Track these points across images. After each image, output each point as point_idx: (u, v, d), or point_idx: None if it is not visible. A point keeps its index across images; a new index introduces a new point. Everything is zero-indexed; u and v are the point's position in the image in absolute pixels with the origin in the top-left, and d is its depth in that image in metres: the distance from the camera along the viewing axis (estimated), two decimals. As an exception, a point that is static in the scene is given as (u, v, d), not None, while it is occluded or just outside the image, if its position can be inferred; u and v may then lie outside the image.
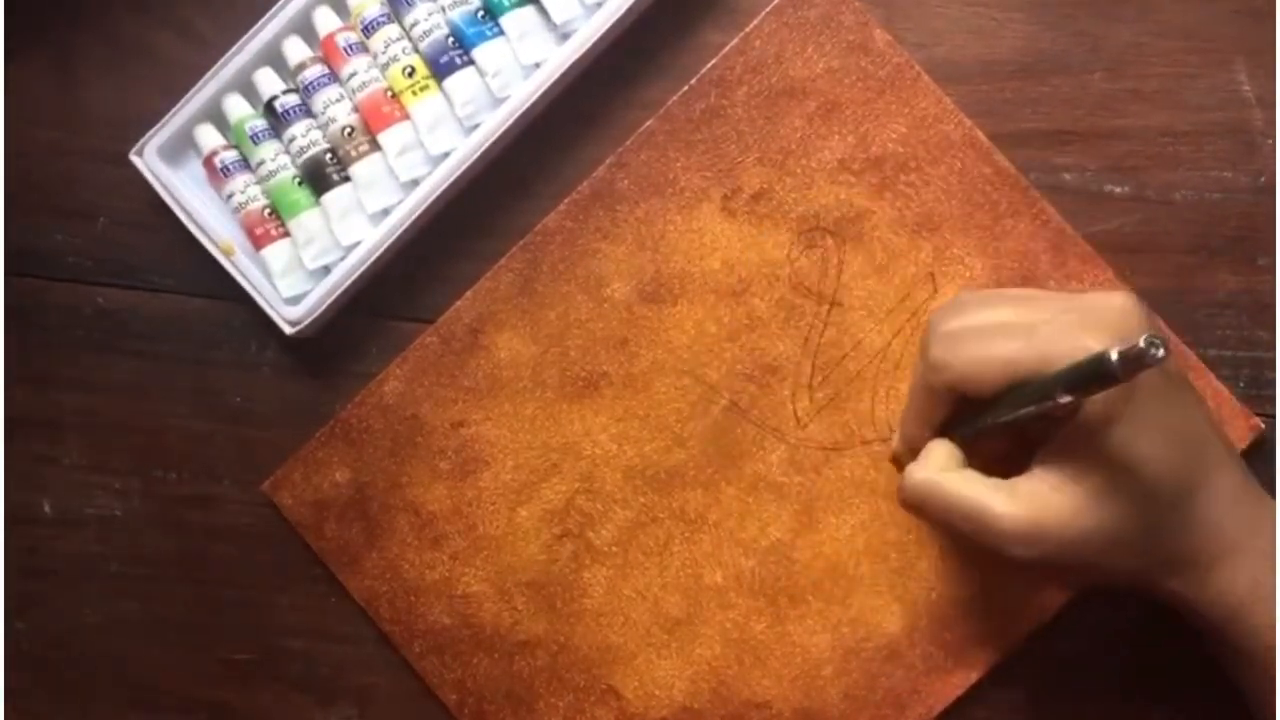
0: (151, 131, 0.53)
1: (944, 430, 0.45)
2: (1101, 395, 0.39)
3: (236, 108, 0.53)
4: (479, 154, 0.51)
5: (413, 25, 0.52)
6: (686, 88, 0.52)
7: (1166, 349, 0.35)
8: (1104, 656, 0.50)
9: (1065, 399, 0.39)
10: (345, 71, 0.52)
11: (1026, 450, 0.43)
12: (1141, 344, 0.35)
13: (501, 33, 0.51)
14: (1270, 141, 0.50)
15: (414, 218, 0.51)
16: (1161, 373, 0.40)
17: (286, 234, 0.53)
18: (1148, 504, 0.41)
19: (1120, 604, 0.50)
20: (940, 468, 0.43)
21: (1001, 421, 0.42)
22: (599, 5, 0.51)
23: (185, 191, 0.53)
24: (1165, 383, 0.41)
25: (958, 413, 0.44)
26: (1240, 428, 0.49)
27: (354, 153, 0.52)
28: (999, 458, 0.44)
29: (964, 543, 0.43)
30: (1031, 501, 0.41)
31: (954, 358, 0.42)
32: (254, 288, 0.52)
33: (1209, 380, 0.49)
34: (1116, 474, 0.40)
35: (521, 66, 0.52)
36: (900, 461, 0.48)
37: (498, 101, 0.52)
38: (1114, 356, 0.36)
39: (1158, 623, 0.50)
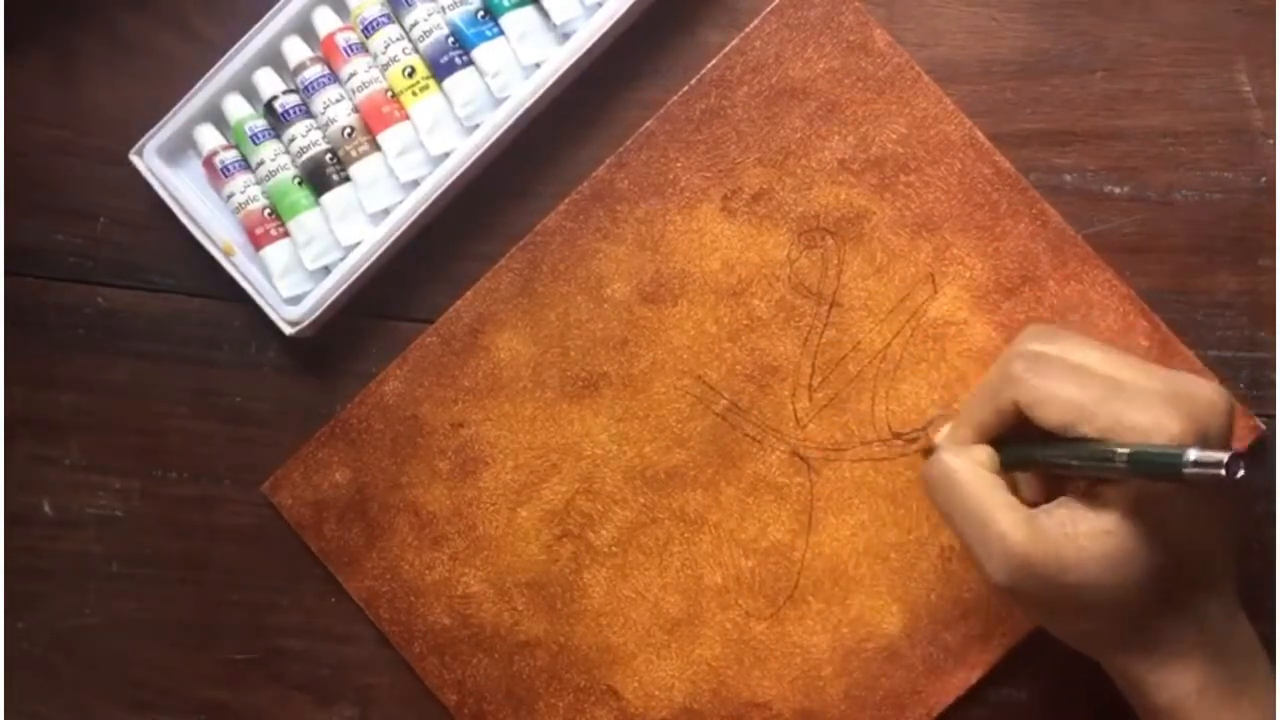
0: (151, 131, 0.53)
1: (994, 443, 0.44)
2: (1160, 484, 0.39)
3: (236, 108, 0.53)
4: (479, 154, 0.51)
5: (413, 25, 0.51)
6: (687, 88, 0.52)
7: (1245, 469, 0.35)
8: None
9: (1123, 468, 0.38)
10: (345, 72, 0.52)
11: (1059, 482, 0.43)
12: (1225, 459, 0.35)
13: (501, 33, 0.51)
14: (1271, 142, 0.50)
15: (414, 218, 0.51)
16: (1216, 436, 0.40)
17: (286, 234, 0.53)
18: (1146, 588, 0.40)
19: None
20: (973, 464, 0.42)
21: (1049, 460, 0.42)
22: (599, 5, 0.51)
23: (185, 191, 0.53)
24: (1227, 496, 0.41)
25: (1013, 432, 0.43)
26: (1241, 428, 0.49)
27: (354, 153, 0.52)
28: (1033, 486, 0.44)
29: (955, 535, 0.42)
30: (1039, 537, 0.40)
31: (1031, 378, 0.42)
32: (254, 288, 0.52)
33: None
34: (1134, 550, 0.40)
35: (521, 67, 0.52)
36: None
37: (498, 102, 0.52)
38: (1192, 457, 0.36)
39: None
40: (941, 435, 0.46)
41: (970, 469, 0.42)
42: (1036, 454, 0.42)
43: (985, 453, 0.43)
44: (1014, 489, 0.43)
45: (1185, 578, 0.41)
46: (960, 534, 0.42)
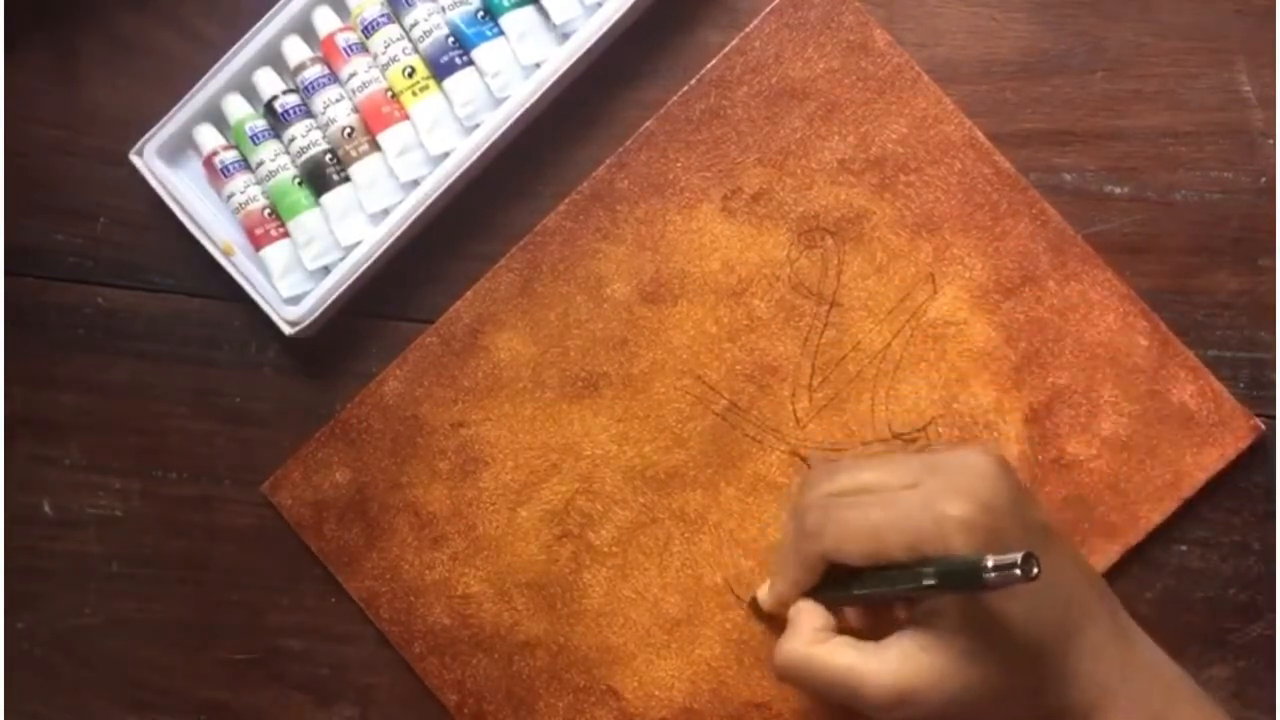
0: (151, 131, 0.53)
1: (814, 592, 0.45)
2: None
3: (236, 108, 0.53)
4: (479, 154, 0.51)
5: (413, 26, 0.51)
6: (686, 88, 0.52)
7: (1039, 568, 0.36)
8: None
9: (931, 587, 0.39)
10: (345, 72, 0.52)
11: (895, 607, 0.44)
12: (1018, 561, 0.36)
13: (501, 33, 0.51)
14: (1271, 142, 0.50)
15: (414, 218, 0.51)
16: (1032, 531, 0.41)
17: (286, 234, 0.53)
18: (1019, 662, 0.41)
19: (1121, 601, 0.50)
20: (809, 640, 0.43)
21: (870, 596, 0.43)
22: (599, 5, 0.51)
23: (185, 191, 0.53)
24: (1037, 542, 0.41)
25: (828, 575, 0.44)
26: (1240, 428, 0.49)
27: (354, 153, 0.52)
28: (868, 615, 0.45)
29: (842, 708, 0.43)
30: (902, 665, 0.41)
31: (825, 526, 0.43)
32: (254, 288, 0.52)
33: (1209, 380, 0.49)
34: (988, 635, 0.41)
35: (521, 67, 0.52)
36: (759, 612, 0.49)
37: (497, 102, 0.52)
38: (989, 565, 0.37)
39: (1158, 621, 0.50)
40: (763, 595, 0.48)
41: (810, 650, 0.43)
42: (855, 592, 0.43)
43: (813, 618, 0.44)
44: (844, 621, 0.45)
45: (1052, 639, 0.41)
46: (837, 702, 0.43)
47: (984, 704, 0.41)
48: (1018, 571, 0.36)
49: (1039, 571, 0.36)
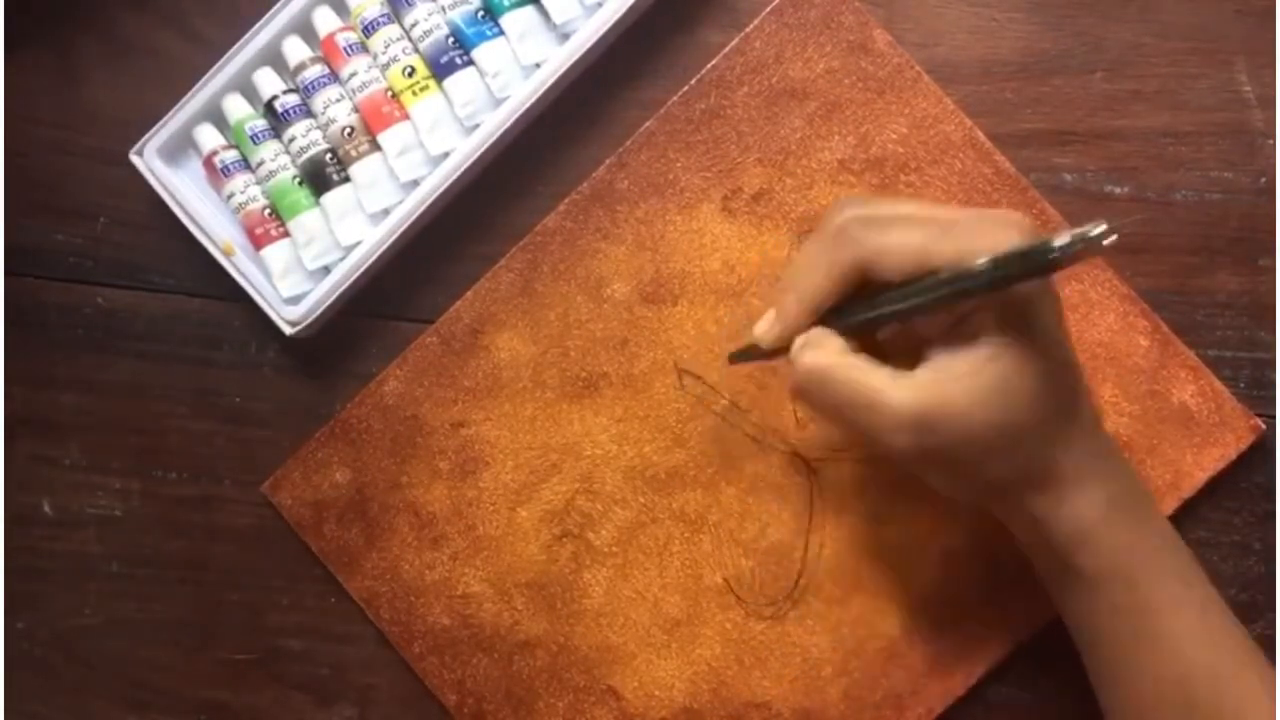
0: (151, 131, 0.53)
1: (825, 319, 0.43)
2: (1019, 292, 0.39)
3: (236, 108, 0.53)
4: (479, 154, 0.51)
5: (413, 25, 0.51)
6: (687, 88, 0.52)
7: (1116, 236, 0.35)
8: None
9: (988, 287, 0.38)
10: (345, 72, 0.52)
11: (909, 344, 0.42)
12: (1098, 232, 0.35)
13: (501, 33, 0.51)
14: (1271, 142, 0.50)
15: (414, 218, 0.51)
16: (1054, 295, 0.41)
17: (286, 234, 0.53)
18: (1040, 406, 0.40)
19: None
20: (836, 351, 0.41)
21: (905, 308, 0.41)
22: (599, 5, 0.51)
23: (185, 191, 0.53)
24: (1057, 303, 0.41)
25: (846, 298, 0.42)
26: (1241, 428, 0.49)
27: (354, 153, 0.52)
28: (879, 351, 0.43)
29: (846, 432, 0.42)
30: (930, 390, 0.40)
31: (867, 235, 0.41)
32: (254, 288, 0.52)
33: (1209, 380, 0.49)
34: (1018, 368, 0.40)
35: (521, 67, 0.52)
36: (743, 356, 0.46)
37: (498, 102, 0.52)
38: (1067, 239, 0.36)
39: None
40: (764, 325, 0.44)
41: (836, 361, 0.41)
42: (886, 308, 0.41)
43: (837, 340, 0.42)
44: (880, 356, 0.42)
45: (1068, 388, 0.41)
46: (852, 425, 0.41)
47: (997, 444, 0.40)
48: (1098, 239, 0.35)
49: (1115, 238, 0.35)
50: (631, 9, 0.51)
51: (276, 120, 0.53)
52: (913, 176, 0.51)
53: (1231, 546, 0.50)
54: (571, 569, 0.52)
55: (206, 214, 0.53)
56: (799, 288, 0.42)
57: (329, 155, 0.52)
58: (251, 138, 0.52)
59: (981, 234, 0.39)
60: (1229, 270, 0.50)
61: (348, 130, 0.52)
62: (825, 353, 0.42)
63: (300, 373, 0.54)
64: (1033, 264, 0.37)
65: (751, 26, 0.52)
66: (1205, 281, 0.51)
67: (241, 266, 0.52)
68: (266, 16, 0.52)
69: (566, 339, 0.52)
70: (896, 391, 0.40)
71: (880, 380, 0.40)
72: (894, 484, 0.50)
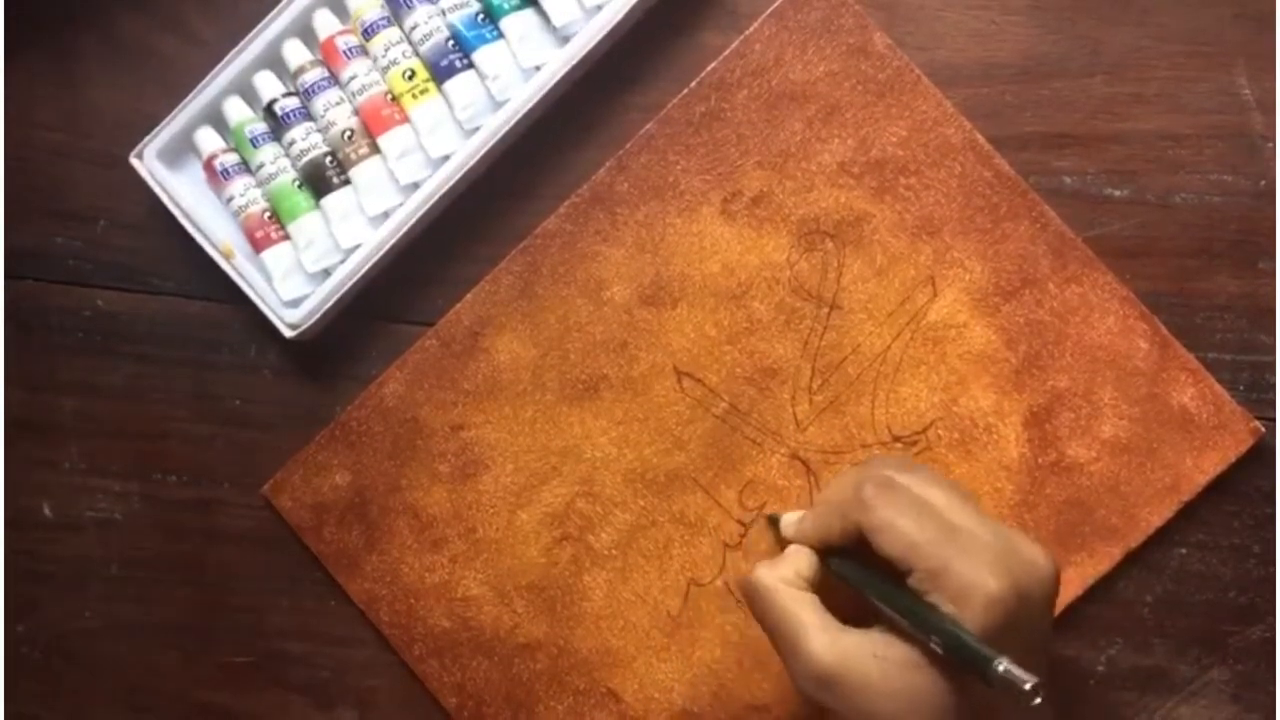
0: (151, 134, 0.53)
1: (827, 552, 0.44)
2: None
3: (236, 111, 0.53)
4: (479, 157, 0.51)
5: (413, 28, 0.52)
6: (686, 91, 0.52)
7: (1040, 699, 0.36)
8: (1105, 656, 0.50)
9: (937, 638, 0.39)
10: (345, 74, 0.52)
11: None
12: (1027, 688, 0.36)
13: (501, 36, 0.51)
14: (1270, 145, 0.50)
15: (414, 221, 0.51)
16: (1034, 651, 0.41)
17: (286, 237, 0.53)
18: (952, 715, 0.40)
19: (1121, 604, 0.50)
20: (787, 580, 0.43)
21: (876, 599, 0.42)
22: (599, 8, 0.51)
23: (185, 194, 0.53)
24: (1038, 663, 0.41)
25: (852, 546, 0.43)
26: (1240, 431, 0.49)
27: (354, 156, 0.52)
28: (851, 602, 0.44)
29: (770, 643, 0.43)
30: (848, 655, 0.40)
31: (879, 506, 0.42)
32: (254, 291, 0.52)
33: (1209, 383, 0.50)
34: (942, 689, 0.40)
35: (521, 70, 0.52)
36: (772, 532, 0.49)
37: (497, 104, 0.52)
38: (1000, 669, 0.37)
39: (1158, 624, 0.50)
40: (789, 519, 0.46)
41: (783, 588, 0.43)
42: (867, 589, 0.42)
43: (804, 562, 0.44)
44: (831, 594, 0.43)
45: (990, 711, 0.41)
46: (774, 645, 0.43)
47: None
48: (1022, 695, 0.36)
49: (1039, 702, 0.36)
50: (631, 12, 0.51)
51: (276, 123, 0.53)
52: (912, 179, 0.51)
53: (1231, 549, 0.50)
54: (571, 572, 0.52)
55: (206, 217, 0.53)
56: (818, 519, 0.45)
57: (329, 158, 0.52)
58: (251, 141, 0.52)
59: (969, 562, 0.40)
60: (1229, 273, 0.51)
61: (348, 133, 0.52)
62: (779, 572, 0.43)
63: (300, 375, 0.54)
64: (967, 659, 0.38)
65: (751, 29, 0.52)
66: (1205, 284, 0.51)
67: (241, 269, 0.52)
68: (266, 19, 0.52)
69: (566, 341, 0.52)
70: (817, 640, 0.41)
71: (810, 622, 0.41)
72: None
